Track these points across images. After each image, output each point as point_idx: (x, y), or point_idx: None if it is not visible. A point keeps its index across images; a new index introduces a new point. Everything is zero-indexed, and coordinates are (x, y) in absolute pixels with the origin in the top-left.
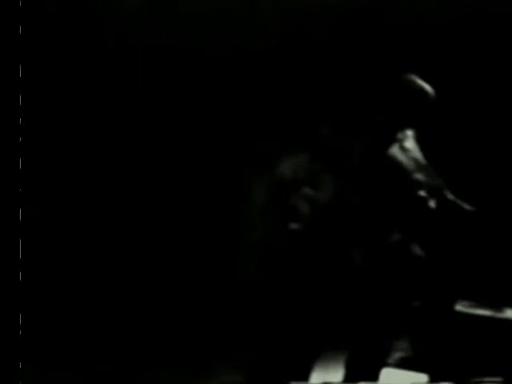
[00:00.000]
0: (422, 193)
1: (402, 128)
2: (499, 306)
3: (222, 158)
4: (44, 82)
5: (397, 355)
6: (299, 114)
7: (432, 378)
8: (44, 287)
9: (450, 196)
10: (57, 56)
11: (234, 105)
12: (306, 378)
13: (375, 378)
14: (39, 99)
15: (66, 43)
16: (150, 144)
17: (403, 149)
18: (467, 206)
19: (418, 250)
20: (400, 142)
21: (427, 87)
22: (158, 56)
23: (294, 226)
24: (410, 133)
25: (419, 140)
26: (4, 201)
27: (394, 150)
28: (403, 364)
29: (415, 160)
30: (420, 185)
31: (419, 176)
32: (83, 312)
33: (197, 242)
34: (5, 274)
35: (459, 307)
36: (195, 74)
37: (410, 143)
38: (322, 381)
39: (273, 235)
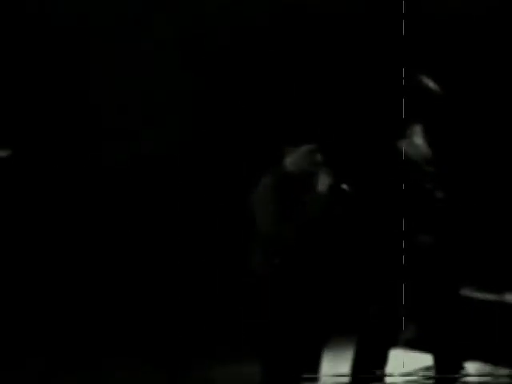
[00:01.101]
0: (429, 185)
1: (410, 124)
2: (503, 291)
3: (227, 151)
4: None
5: (404, 337)
6: (303, 109)
7: (438, 359)
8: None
9: (455, 189)
10: None
11: (236, 102)
12: (317, 370)
13: (384, 361)
14: None
15: None
16: (155, 143)
17: (411, 144)
18: (471, 199)
19: (425, 239)
20: (408, 137)
21: (432, 84)
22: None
23: (299, 217)
24: (417, 128)
25: (426, 135)
26: None
27: (403, 145)
28: (410, 345)
29: (423, 154)
30: (427, 177)
31: (427, 169)
32: (83, 311)
33: (203, 238)
34: None
35: (465, 291)
36: (197, 72)
37: (417, 139)
38: (332, 372)
39: (278, 228)
